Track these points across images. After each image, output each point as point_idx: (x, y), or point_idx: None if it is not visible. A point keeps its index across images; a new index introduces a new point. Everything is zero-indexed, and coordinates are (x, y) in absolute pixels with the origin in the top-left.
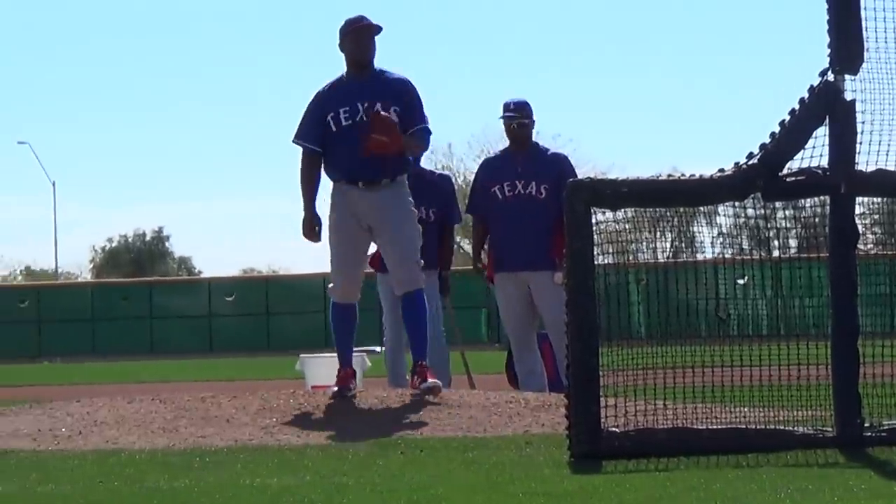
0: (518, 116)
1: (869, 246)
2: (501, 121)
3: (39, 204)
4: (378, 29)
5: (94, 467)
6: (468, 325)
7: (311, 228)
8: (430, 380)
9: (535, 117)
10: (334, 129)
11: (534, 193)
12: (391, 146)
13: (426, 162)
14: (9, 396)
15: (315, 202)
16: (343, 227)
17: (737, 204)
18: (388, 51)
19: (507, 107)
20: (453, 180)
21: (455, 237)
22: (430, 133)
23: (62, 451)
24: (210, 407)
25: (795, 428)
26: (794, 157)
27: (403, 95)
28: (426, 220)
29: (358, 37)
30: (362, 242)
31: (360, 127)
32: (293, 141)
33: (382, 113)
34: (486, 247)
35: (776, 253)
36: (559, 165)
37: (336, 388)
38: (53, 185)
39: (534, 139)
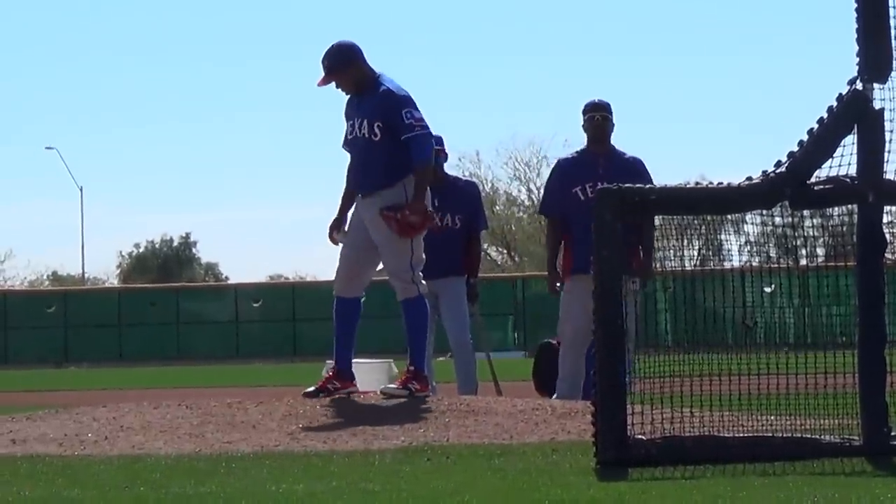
0: (602, 109)
1: None
2: (584, 119)
3: (67, 209)
4: (337, 76)
5: (120, 473)
6: (495, 332)
7: (331, 231)
8: (398, 386)
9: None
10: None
11: None
12: (420, 227)
13: (453, 168)
14: (36, 401)
15: (348, 207)
16: (351, 230)
17: (764, 212)
18: (418, 58)
19: (590, 103)
20: (480, 187)
21: (482, 244)
22: (423, 139)
23: (88, 456)
24: (236, 413)
25: (822, 436)
26: (822, 166)
27: (384, 112)
28: (452, 227)
29: (336, 86)
30: (363, 244)
31: (356, 143)
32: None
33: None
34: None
35: (803, 261)
36: (638, 170)
37: (312, 389)
38: (81, 190)
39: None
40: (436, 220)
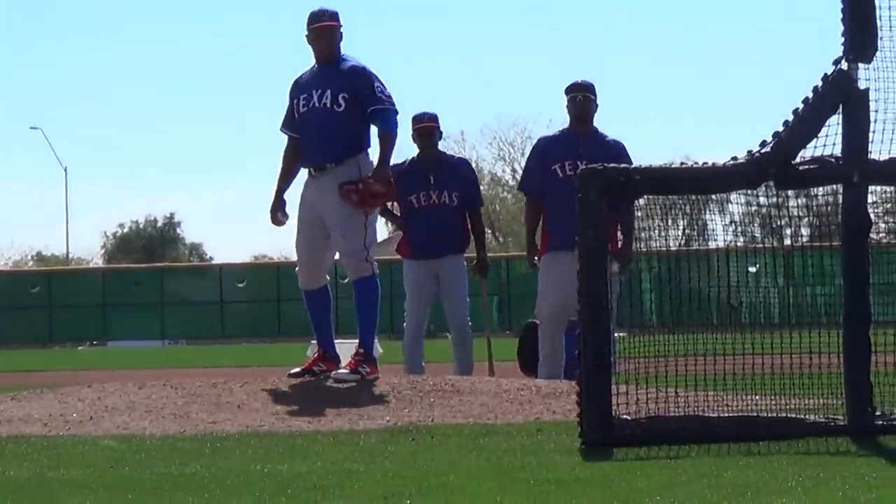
0: (585, 90)
1: (881, 235)
2: (567, 100)
3: (51, 189)
4: (331, 28)
5: (106, 453)
6: (480, 311)
7: (273, 212)
8: (347, 371)
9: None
10: (297, 116)
11: None
12: (384, 196)
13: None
14: (20, 382)
15: (285, 188)
16: (301, 216)
17: (749, 192)
18: (404, 38)
19: (572, 84)
20: None
21: (481, 220)
22: (392, 114)
23: (73, 436)
24: (221, 393)
25: (807, 416)
26: (807, 146)
27: (353, 82)
28: (448, 205)
29: (315, 36)
30: (317, 230)
31: (311, 114)
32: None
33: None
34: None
35: (788, 241)
36: (618, 151)
37: (297, 369)
38: (65, 170)
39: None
40: (394, 190)
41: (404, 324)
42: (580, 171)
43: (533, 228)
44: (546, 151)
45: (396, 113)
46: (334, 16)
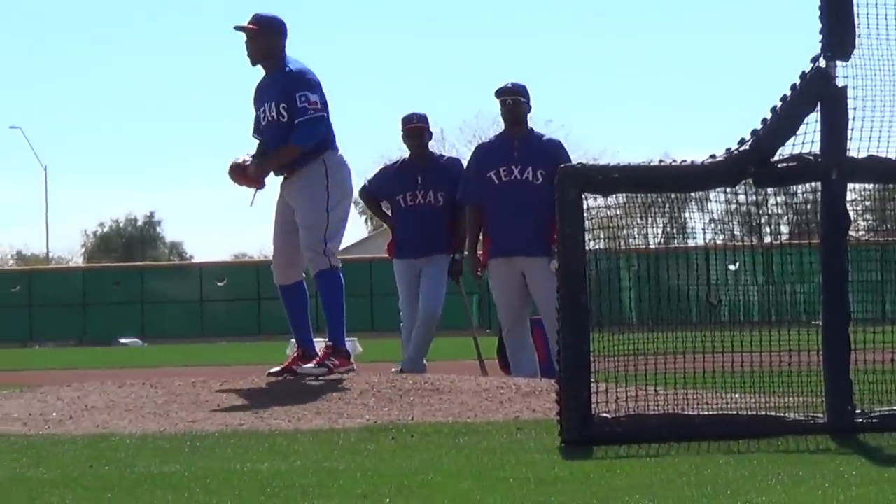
0: (515, 93)
1: (860, 232)
2: (498, 104)
3: (31, 188)
4: (251, 32)
5: (85, 452)
6: (459, 310)
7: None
8: (313, 366)
9: (531, 103)
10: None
11: (530, 179)
12: (247, 182)
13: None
14: None
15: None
16: (276, 211)
17: (728, 190)
18: (384, 36)
19: (501, 88)
20: None
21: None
22: (314, 123)
23: (53, 435)
24: (201, 392)
25: (786, 414)
26: (786, 144)
27: (287, 92)
28: (435, 205)
29: (246, 42)
30: (289, 225)
31: (267, 127)
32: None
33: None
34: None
35: (767, 239)
36: (555, 151)
37: (277, 368)
38: (45, 169)
39: (528, 126)
40: (264, 186)
41: (401, 324)
42: (559, 170)
43: (474, 238)
44: (482, 159)
45: (319, 119)
46: (260, 22)
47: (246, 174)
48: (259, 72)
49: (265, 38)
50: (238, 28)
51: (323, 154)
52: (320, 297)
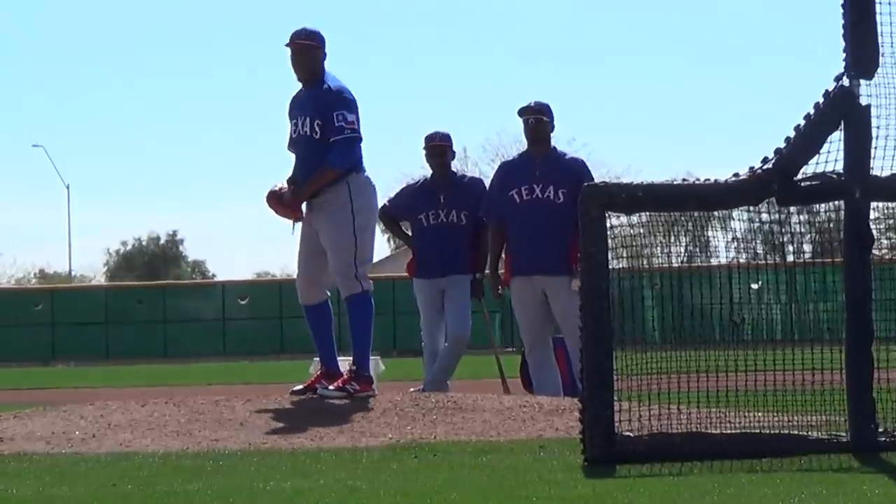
0: (538, 112)
1: (884, 251)
2: (521, 122)
3: (54, 207)
4: (304, 47)
5: (108, 470)
6: (482, 328)
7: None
8: (332, 389)
9: (555, 122)
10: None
11: (551, 197)
12: (284, 211)
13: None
14: (23, 399)
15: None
16: (302, 230)
17: (751, 208)
18: (406, 54)
19: (523, 107)
20: None
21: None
22: (351, 143)
23: (76, 454)
24: (224, 410)
25: (809, 433)
26: (809, 162)
27: (323, 108)
28: (458, 224)
29: (292, 55)
30: (315, 245)
31: (298, 140)
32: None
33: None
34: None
35: (790, 258)
36: (577, 170)
37: (300, 387)
38: (68, 188)
39: (552, 144)
40: (302, 216)
41: (422, 343)
42: (583, 188)
43: (496, 257)
44: (504, 177)
45: (354, 140)
46: (312, 36)
47: (283, 203)
48: (288, 86)
49: (317, 52)
50: (293, 43)
51: (347, 177)
52: (350, 320)
